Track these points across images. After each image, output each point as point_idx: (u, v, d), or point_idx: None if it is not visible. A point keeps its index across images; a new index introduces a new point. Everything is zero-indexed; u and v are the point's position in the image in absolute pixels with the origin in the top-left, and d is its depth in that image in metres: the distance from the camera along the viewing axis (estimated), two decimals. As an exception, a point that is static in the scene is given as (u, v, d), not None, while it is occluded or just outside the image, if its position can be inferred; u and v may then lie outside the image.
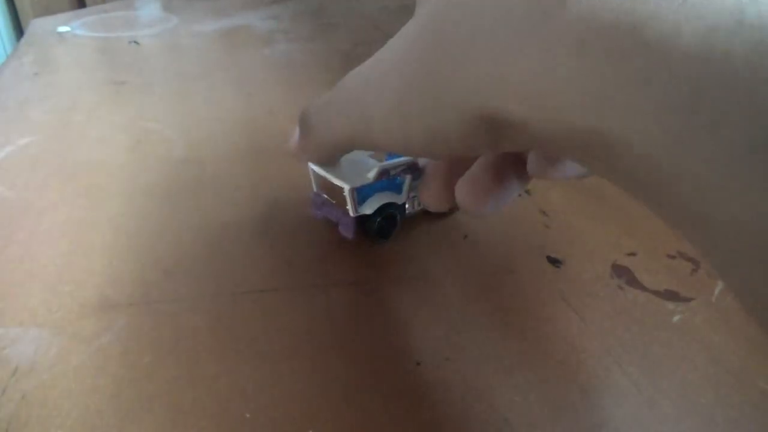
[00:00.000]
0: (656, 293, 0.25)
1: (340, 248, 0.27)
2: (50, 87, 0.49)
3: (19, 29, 1.60)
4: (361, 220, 0.26)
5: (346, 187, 0.25)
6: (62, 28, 0.67)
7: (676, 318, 0.24)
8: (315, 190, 0.28)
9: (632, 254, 0.28)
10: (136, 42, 0.63)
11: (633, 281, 0.26)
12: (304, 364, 0.21)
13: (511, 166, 0.20)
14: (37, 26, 0.70)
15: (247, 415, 0.19)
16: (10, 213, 0.30)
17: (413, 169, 0.26)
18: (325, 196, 0.27)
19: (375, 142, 0.18)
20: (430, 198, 0.23)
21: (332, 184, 0.25)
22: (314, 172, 0.26)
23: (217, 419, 0.19)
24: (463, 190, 0.20)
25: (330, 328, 0.23)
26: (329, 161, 0.25)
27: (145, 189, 0.32)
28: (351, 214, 0.26)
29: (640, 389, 0.20)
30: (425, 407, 0.19)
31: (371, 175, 0.24)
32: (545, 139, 0.13)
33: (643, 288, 0.25)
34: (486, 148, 0.15)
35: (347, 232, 0.27)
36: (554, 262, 0.27)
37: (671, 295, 0.25)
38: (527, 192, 0.33)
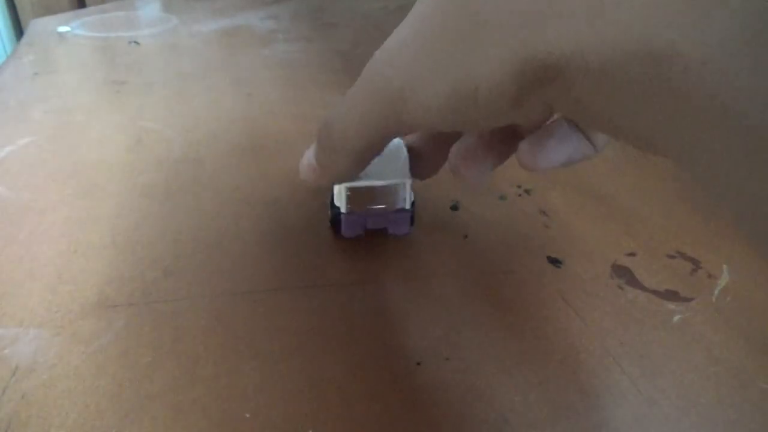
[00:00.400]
0: (656, 293, 0.25)
1: (340, 248, 0.27)
2: (50, 87, 0.49)
3: (19, 29, 1.60)
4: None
5: (408, 181, 0.25)
6: (62, 28, 0.67)
7: (676, 318, 0.24)
8: (345, 210, 0.26)
9: (632, 254, 0.28)
10: (136, 42, 0.63)
11: (633, 281, 0.26)
12: (304, 364, 0.21)
13: (499, 142, 0.22)
14: (37, 26, 0.70)
15: (247, 415, 0.19)
16: (10, 213, 0.30)
17: None
18: (369, 207, 0.26)
19: (406, 118, 0.17)
20: (422, 167, 0.25)
21: (378, 190, 0.25)
22: (351, 188, 0.25)
23: (217, 419, 0.19)
24: (455, 159, 0.22)
25: (330, 328, 0.23)
26: (360, 166, 0.23)
27: (145, 189, 0.32)
28: (407, 206, 0.26)
29: (640, 389, 0.20)
30: (425, 407, 0.19)
31: (403, 162, 0.25)
32: (586, 81, 0.12)
33: (643, 288, 0.25)
34: (512, 108, 0.14)
35: (404, 227, 0.27)
36: (554, 262, 0.27)
37: (671, 295, 0.25)
38: (527, 192, 0.33)
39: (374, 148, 0.21)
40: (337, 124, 0.20)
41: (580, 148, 0.20)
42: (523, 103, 0.14)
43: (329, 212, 0.27)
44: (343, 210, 0.26)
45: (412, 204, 0.27)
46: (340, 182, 0.25)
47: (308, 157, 0.23)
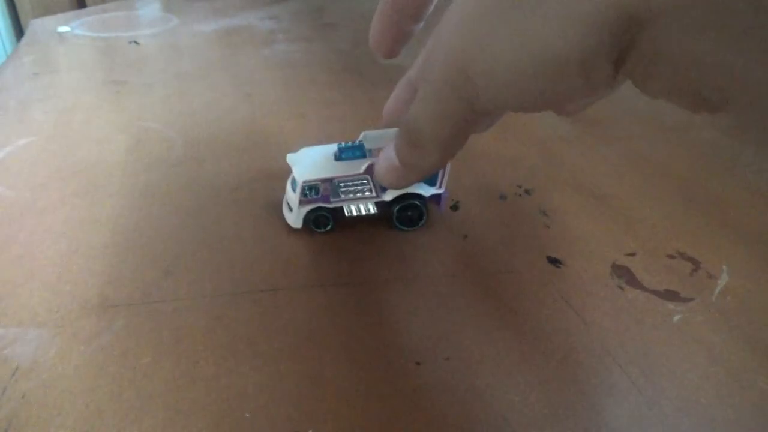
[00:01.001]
0: (656, 293, 0.25)
1: (339, 248, 0.27)
2: (50, 87, 0.49)
3: (19, 29, 1.60)
4: None
5: None
6: (62, 28, 0.67)
7: (676, 318, 0.24)
8: (445, 187, 0.29)
9: (632, 254, 0.28)
10: (136, 42, 0.63)
11: (633, 281, 0.26)
12: (303, 364, 0.21)
13: None
14: (37, 26, 0.70)
15: (247, 415, 0.19)
16: (10, 213, 0.30)
17: None
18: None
19: (476, 102, 0.16)
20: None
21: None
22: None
23: (217, 419, 0.19)
24: None
25: (330, 328, 0.23)
26: (447, 159, 0.21)
27: (145, 189, 0.32)
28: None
29: (640, 389, 0.20)
30: (425, 407, 0.19)
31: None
32: (674, 24, 0.11)
33: (643, 288, 0.25)
34: (581, 75, 0.13)
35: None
36: (554, 262, 0.27)
37: (671, 295, 0.25)
38: (527, 192, 0.33)
39: (458, 138, 0.19)
40: (419, 120, 0.19)
41: None
42: (595, 68, 0.13)
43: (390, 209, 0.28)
44: (443, 189, 0.28)
45: None
46: (422, 179, 0.24)
47: (388, 158, 0.22)
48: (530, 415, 0.19)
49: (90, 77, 0.52)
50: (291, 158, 0.28)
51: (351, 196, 0.27)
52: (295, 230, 0.28)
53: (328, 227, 0.28)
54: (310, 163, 0.27)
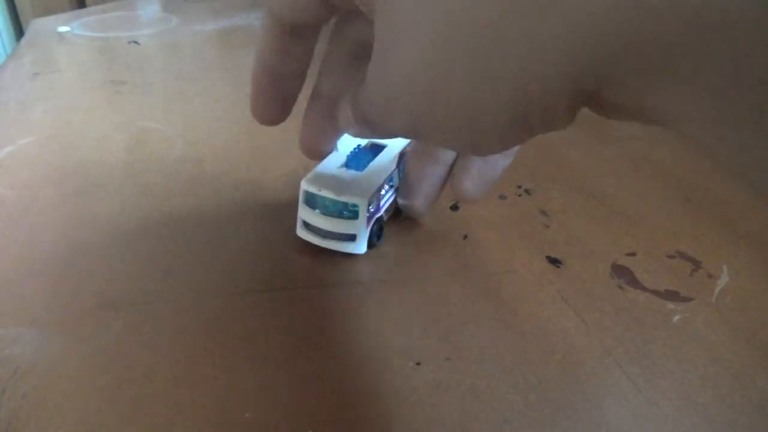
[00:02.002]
0: (656, 293, 0.25)
1: (340, 248, 0.27)
2: (50, 87, 0.49)
3: (19, 29, 1.60)
4: None
5: None
6: (62, 28, 0.67)
7: (676, 318, 0.24)
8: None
9: (632, 254, 0.28)
10: (136, 42, 0.63)
11: (633, 281, 0.26)
12: (303, 364, 0.21)
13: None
14: (37, 26, 0.70)
15: (247, 415, 0.19)
16: (10, 213, 0.30)
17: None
18: None
19: (426, 139, 0.17)
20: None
21: None
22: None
23: (217, 419, 0.19)
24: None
25: (330, 329, 0.23)
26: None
27: (145, 189, 0.32)
28: None
29: (640, 389, 0.20)
30: (425, 407, 0.19)
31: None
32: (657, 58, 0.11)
33: (643, 288, 0.25)
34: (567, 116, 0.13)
35: None
36: (554, 262, 0.27)
37: (671, 295, 0.25)
38: (527, 192, 0.33)
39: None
40: (374, 116, 0.18)
41: (500, 161, 0.22)
42: (554, 118, 0.13)
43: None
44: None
45: None
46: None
47: (346, 112, 0.21)
48: (530, 415, 0.19)
49: (90, 77, 0.52)
50: (308, 183, 0.25)
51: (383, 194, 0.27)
52: (294, 230, 0.28)
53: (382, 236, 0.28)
54: (342, 182, 0.25)
